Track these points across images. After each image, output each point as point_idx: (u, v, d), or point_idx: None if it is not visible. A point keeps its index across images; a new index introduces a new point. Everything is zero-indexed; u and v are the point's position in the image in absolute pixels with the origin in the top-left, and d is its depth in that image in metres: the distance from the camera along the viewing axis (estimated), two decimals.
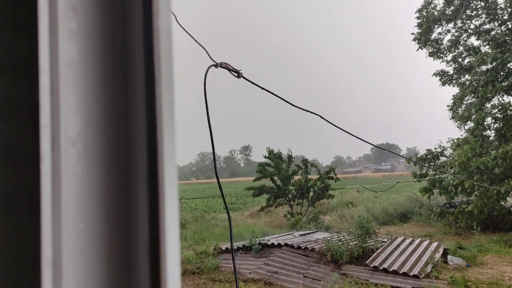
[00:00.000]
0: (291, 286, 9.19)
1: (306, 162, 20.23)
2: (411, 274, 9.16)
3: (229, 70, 2.01)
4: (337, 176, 20.29)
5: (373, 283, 8.92)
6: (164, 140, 0.39)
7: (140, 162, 0.40)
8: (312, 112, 3.10)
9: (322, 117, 3.26)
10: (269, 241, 11.64)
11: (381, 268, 9.60)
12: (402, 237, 12.27)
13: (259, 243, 11.40)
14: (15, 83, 0.37)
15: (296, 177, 20.15)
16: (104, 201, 0.38)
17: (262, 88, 2.44)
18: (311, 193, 19.68)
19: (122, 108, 0.40)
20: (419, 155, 19.10)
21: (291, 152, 20.67)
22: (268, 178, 19.98)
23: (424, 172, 17.97)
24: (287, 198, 19.89)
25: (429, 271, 9.39)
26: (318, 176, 19.86)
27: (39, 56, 0.35)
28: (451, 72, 20.16)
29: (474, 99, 18.20)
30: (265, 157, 20.33)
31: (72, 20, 0.36)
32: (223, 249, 11.91)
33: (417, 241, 11.72)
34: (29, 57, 0.36)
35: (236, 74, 2.05)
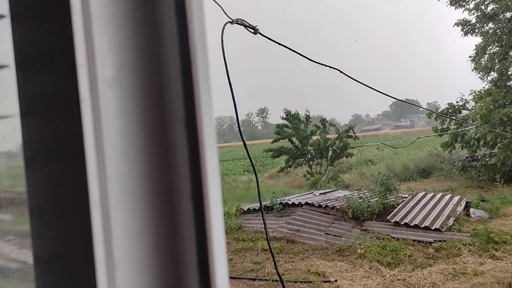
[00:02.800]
0: (313, 243, 9.37)
1: (324, 122, 20.12)
2: (432, 228, 9.22)
3: (245, 26, 1.97)
4: (356, 134, 20.18)
5: (394, 238, 9.02)
6: (199, 79, 0.38)
7: (176, 105, 0.39)
8: (331, 67, 3.04)
9: (341, 72, 3.19)
10: (289, 200, 11.79)
11: (402, 223, 9.68)
12: (423, 192, 12.27)
13: (280, 203, 11.56)
14: (50, 27, 0.37)
15: (315, 137, 20.11)
16: (143, 144, 0.38)
17: (279, 44, 2.39)
18: (330, 152, 19.67)
19: (154, 49, 0.39)
20: (440, 110, 18.70)
21: (309, 113, 20.52)
22: (287, 140, 19.99)
23: (446, 126, 17.68)
24: (306, 158, 19.95)
25: (451, 224, 9.43)
26: (337, 135, 19.77)
27: None
28: (474, 21, 19.36)
29: (497, 48, 17.54)
30: (282, 118, 20.26)
31: None
32: (245, 210, 12.12)
33: (438, 196, 11.70)
34: None
35: (252, 31, 2.00)
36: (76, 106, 0.34)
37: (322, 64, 2.99)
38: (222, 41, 1.79)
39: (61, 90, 0.36)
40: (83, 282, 0.36)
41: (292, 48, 2.53)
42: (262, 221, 10.86)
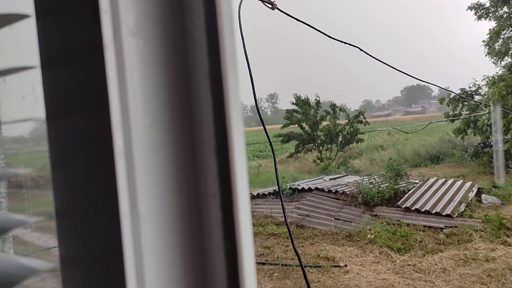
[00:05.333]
0: (323, 228, 9.39)
1: (335, 107, 19.99)
2: (444, 214, 9.18)
3: (262, 1, 1.92)
4: (367, 120, 20.05)
5: (405, 223, 9.00)
6: (224, 31, 0.37)
7: (200, 58, 0.38)
8: (350, 44, 3.00)
9: (360, 49, 3.15)
10: (299, 185, 11.80)
11: (413, 208, 9.64)
12: (435, 178, 12.18)
13: (290, 188, 11.57)
14: None
15: (325, 123, 20.02)
16: (166, 98, 0.38)
17: (298, 20, 2.35)
18: (340, 138, 19.59)
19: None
20: (452, 95, 18.43)
21: (319, 98, 20.38)
22: (296, 125, 19.93)
23: (458, 112, 17.47)
24: (316, 144, 19.89)
25: (462, 210, 9.37)
26: (347, 120, 19.66)
27: None
28: (488, 4, 18.95)
29: None
30: (292, 103, 20.17)
31: None
32: (255, 194, 12.15)
33: (450, 181, 11.62)
34: None
35: (270, 6, 1.96)
36: (100, 54, 0.33)
37: (340, 41, 2.95)
38: (239, 16, 1.76)
39: (84, 37, 0.35)
40: (108, 234, 0.36)
41: (310, 24, 2.49)
42: (272, 206, 10.89)
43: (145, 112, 0.36)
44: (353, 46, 3.05)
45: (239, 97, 0.38)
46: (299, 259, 1.61)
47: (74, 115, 0.37)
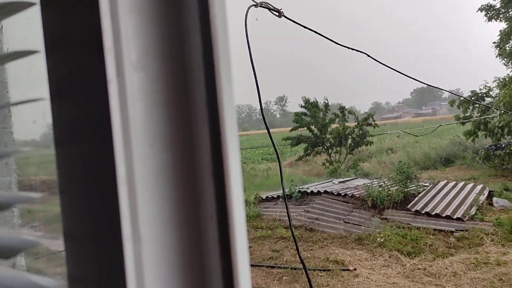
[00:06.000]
0: (332, 231, 9.36)
1: (344, 110, 19.93)
2: (454, 217, 9.10)
3: (269, 9, 1.95)
4: (376, 122, 19.94)
5: (415, 226, 8.94)
6: (220, 64, 0.39)
7: (199, 89, 0.41)
8: (358, 50, 3.01)
9: (368, 55, 3.16)
10: (308, 189, 11.78)
11: (423, 212, 9.57)
12: (445, 181, 12.08)
13: (299, 191, 11.56)
14: (78, 12, 0.38)
15: (334, 126, 19.97)
16: (167, 127, 0.40)
17: (305, 27, 2.38)
18: (349, 141, 19.51)
19: (177, 35, 0.40)
20: (462, 98, 18.26)
21: (328, 101, 20.34)
22: (305, 128, 19.90)
23: (468, 114, 17.31)
24: (325, 147, 19.85)
25: (473, 213, 9.28)
26: (356, 123, 19.58)
27: None
28: (498, 5, 18.79)
29: None
30: (301, 106, 20.16)
31: None
32: (264, 198, 12.16)
33: (460, 184, 11.51)
34: None
35: (277, 14, 1.98)
36: (104, 88, 0.36)
37: (348, 48, 2.98)
38: (245, 25, 1.78)
39: (89, 73, 0.38)
40: (111, 256, 0.38)
41: (318, 32, 2.51)
42: (280, 210, 10.89)
43: (146, 140, 0.38)
44: (361, 52, 3.06)
45: (235, 124, 0.40)
46: (304, 267, 1.63)
47: (80, 144, 0.40)
